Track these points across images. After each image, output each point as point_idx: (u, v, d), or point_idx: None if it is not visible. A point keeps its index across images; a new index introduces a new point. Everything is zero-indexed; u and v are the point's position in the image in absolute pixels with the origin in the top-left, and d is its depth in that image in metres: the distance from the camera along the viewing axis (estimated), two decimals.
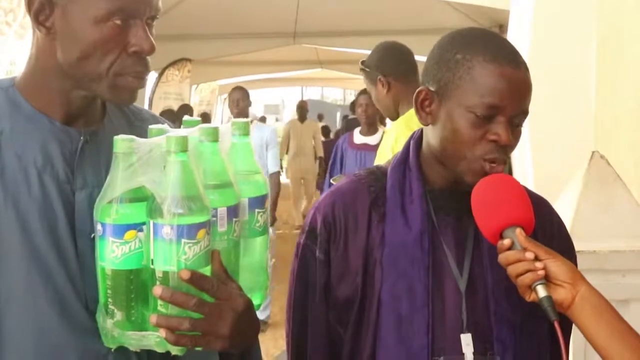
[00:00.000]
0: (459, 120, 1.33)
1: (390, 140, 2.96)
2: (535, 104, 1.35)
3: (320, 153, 11.24)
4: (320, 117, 16.34)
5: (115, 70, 1.23)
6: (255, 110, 24.94)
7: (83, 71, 1.24)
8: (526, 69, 1.35)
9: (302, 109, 11.61)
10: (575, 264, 1.47)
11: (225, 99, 14.42)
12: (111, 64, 1.22)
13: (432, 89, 1.38)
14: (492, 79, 1.31)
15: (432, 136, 1.41)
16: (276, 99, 30.86)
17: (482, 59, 1.32)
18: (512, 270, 1.27)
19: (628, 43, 2.89)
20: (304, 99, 18.97)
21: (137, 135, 1.19)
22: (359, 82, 15.59)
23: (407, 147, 1.48)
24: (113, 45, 1.22)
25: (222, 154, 1.21)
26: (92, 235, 1.19)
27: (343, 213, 1.43)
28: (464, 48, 1.35)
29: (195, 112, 9.68)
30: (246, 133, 1.26)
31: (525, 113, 1.34)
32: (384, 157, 2.94)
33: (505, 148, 1.33)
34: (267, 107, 31.27)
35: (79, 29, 1.21)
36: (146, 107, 4.76)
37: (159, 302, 1.14)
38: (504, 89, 1.30)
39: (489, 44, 1.35)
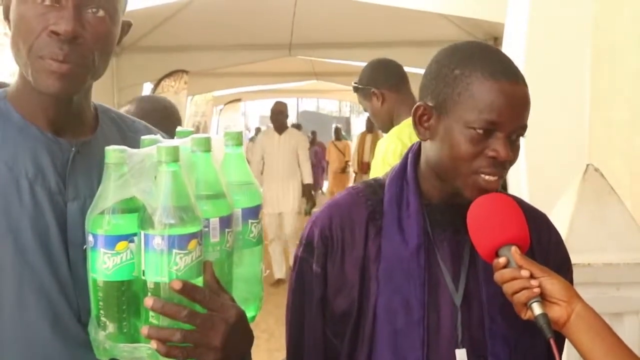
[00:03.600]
0: (457, 136, 1.32)
1: (382, 152, 2.99)
2: (530, 117, 1.35)
3: (308, 178, 8.13)
4: (312, 134, 13.82)
5: (35, 52, 1.20)
6: (250, 121, 24.89)
7: (17, 58, 1.23)
8: (525, 84, 1.33)
9: (279, 114, 7.94)
10: (571, 279, 1.46)
11: (221, 109, 14.36)
12: (31, 45, 1.20)
13: (430, 104, 1.37)
14: (490, 95, 1.29)
15: (430, 151, 1.40)
16: None
17: (481, 74, 1.30)
18: (507, 288, 1.27)
19: (622, 56, 2.90)
20: (300, 110, 18.32)
21: (130, 147, 1.18)
22: (354, 94, 15.57)
23: (404, 161, 1.47)
24: (34, 24, 1.19)
25: (215, 164, 1.21)
26: (85, 246, 1.18)
27: (340, 226, 1.43)
28: (462, 63, 1.33)
29: (190, 123, 9.64)
30: (239, 143, 1.25)
31: (524, 128, 1.33)
32: (376, 169, 2.97)
33: (504, 163, 1.32)
34: (263, 118, 31.24)
35: (13, 11, 1.22)
36: None
37: (151, 313, 1.13)
38: (503, 105, 1.29)
39: (487, 59, 1.33)
